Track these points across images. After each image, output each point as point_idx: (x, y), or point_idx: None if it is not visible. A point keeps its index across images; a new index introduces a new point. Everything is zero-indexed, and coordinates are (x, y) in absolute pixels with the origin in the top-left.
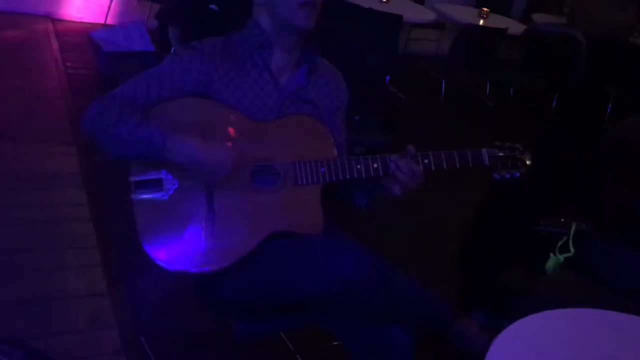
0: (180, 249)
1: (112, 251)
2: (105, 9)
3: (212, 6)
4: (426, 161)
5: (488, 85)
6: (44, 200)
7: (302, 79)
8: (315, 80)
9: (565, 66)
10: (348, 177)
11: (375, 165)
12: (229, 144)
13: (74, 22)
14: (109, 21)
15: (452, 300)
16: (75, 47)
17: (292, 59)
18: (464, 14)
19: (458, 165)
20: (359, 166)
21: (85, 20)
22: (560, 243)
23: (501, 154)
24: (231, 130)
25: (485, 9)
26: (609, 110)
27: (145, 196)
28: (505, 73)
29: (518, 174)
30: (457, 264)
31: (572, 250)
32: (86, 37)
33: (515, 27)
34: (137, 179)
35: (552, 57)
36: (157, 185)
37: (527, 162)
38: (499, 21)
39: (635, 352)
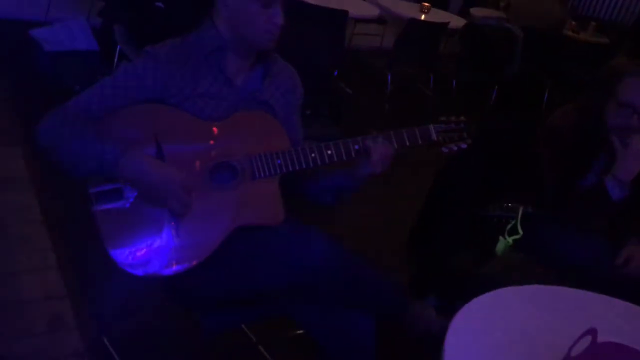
0: (147, 254)
1: (68, 252)
2: (45, 6)
3: (158, 3)
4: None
5: (431, 78)
6: None
7: (257, 82)
8: (271, 81)
9: (503, 58)
10: (304, 166)
11: (329, 152)
12: (181, 161)
13: (10, 20)
14: (49, 19)
15: (405, 287)
16: (13, 46)
17: (247, 62)
18: (406, 9)
19: (408, 143)
20: (313, 154)
21: (23, 17)
22: (508, 226)
23: (447, 127)
24: (185, 133)
25: (426, 3)
26: (545, 99)
27: (106, 206)
28: (447, 66)
29: (464, 145)
30: (409, 251)
31: (520, 232)
32: (25, 35)
33: (455, 21)
34: (96, 190)
35: (490, 50)
36: (117, 194)
37: (471, 132)
38: (439, 15)
39: (581, 323)
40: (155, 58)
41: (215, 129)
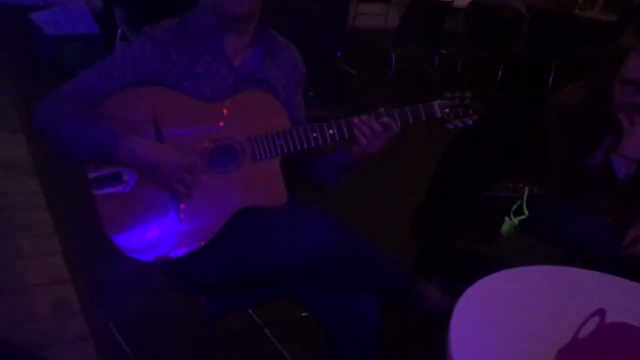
0: (149, 238)
1: (72, 238)
2: None
3: None
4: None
5: (436, 57)
6: None
7: (257, 62)
8: (272, 61)
9: (508, 37)
10: (306, 146)
11: (331, 131)
12: (180, 141)
13: (11, 4)
14: (49, 2)
15: (411, 268)
16: (15, 31)
17: (245, 40)
18: None
19: (411, 120)
20: (314, 134)
21: (23, 2)
22: (514, 207)
23: (452, 104)
24: (184, 115)
25: None
26: (551, 77)
27: (106, 191)
28: (452, 45)
29: (470, 122)
30: (414, 232)
31: (526, 213)
32: (26, 19)
33: (460, 0)
34: (96, 174)
35: (496, 28)
36: (116, 179)
37: (477, 107)
38: None
39: (588, 303)
40: (153, 39)
41: (214, 110)
